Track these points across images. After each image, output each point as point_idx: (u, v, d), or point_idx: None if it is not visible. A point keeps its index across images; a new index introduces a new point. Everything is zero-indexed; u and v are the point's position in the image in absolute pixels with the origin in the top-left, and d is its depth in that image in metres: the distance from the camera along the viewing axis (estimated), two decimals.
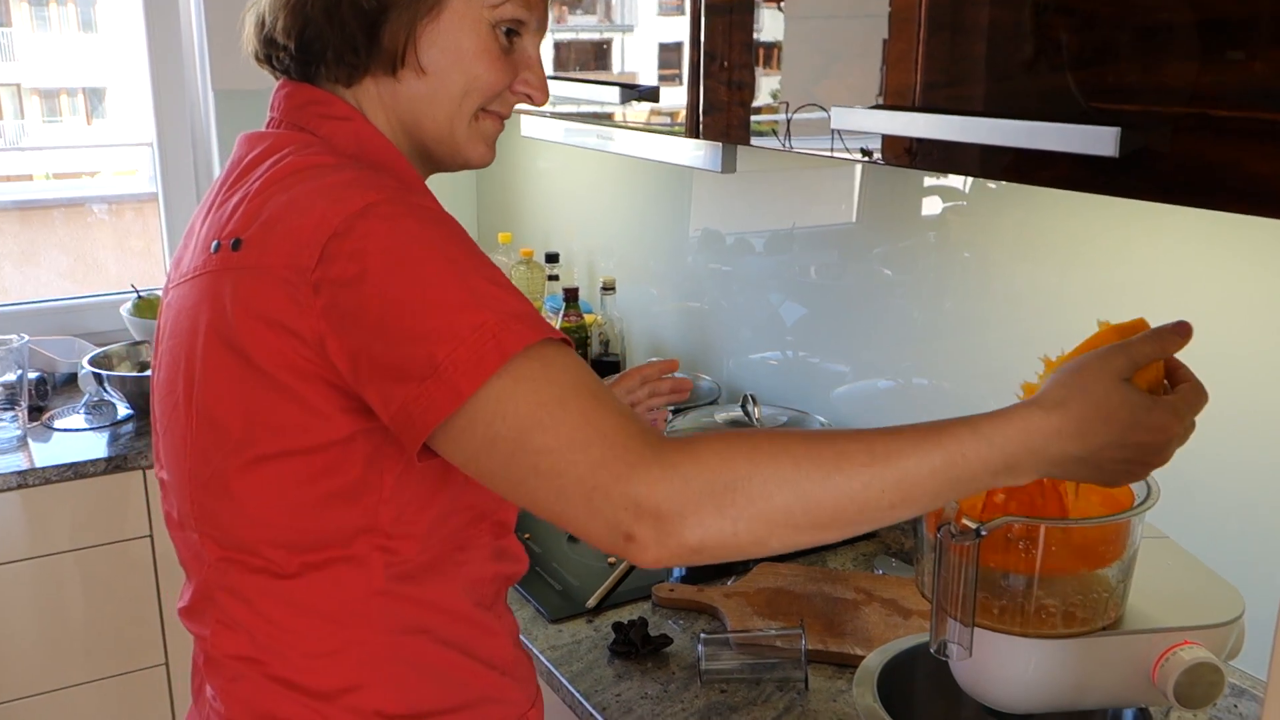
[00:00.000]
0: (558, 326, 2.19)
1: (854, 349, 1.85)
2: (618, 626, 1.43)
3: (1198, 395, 0.83)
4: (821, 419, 1.80)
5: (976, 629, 0.90)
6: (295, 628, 0.94)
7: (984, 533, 0.84)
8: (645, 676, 1.38)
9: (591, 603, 1.53)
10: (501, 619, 1.06)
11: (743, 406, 1.76)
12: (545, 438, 0.77)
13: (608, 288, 2.19)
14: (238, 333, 0.86)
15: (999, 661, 0.93)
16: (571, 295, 2.19)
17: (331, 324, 0.82)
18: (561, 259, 2.46)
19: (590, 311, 2.27)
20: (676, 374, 2.04)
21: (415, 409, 0.79)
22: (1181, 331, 0.84)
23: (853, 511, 0.77)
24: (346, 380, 0.84)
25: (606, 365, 2.21)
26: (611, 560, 1.66)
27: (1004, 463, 0.77)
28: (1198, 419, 0.83)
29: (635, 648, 1.41)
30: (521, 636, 1.16)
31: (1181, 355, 0.85)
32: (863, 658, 1.37)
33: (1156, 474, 0.87)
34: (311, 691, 0.94)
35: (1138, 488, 0.92)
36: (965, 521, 0.86)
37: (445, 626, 0.99)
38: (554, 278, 2.40)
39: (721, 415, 1.78)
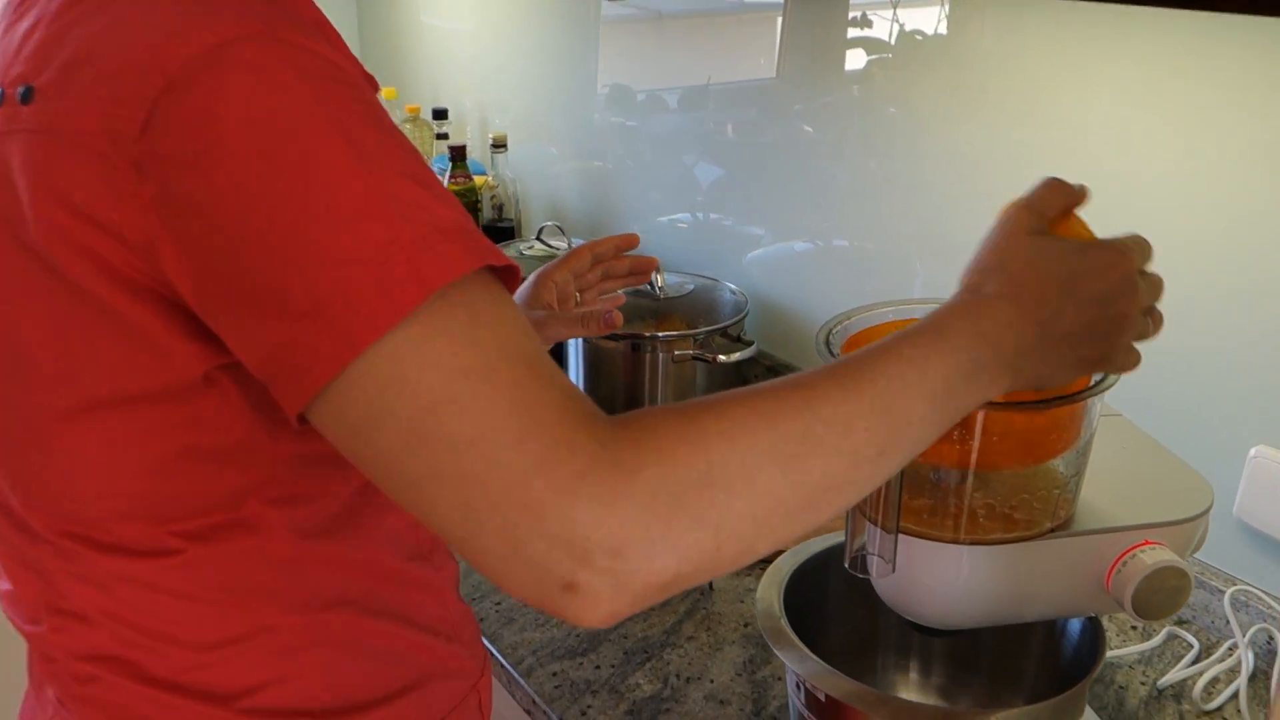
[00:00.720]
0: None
1: (771, 211, 1.68)
2: None
3: (1136, 238, 0.68)
4: (732, 286, 1.63)
5: (901, 535, 0.75)
6: (176, 617, 0.70)
7: None
8: None
9: None
10: (441, 570, 0.83)
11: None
12: (458, 424, 0.52)
13: (498, 145, 1.97)
14: (34, 227, 0.59)
15: (926, 571, 0.78)
16: (458, 154, 1.96)
17: (166, 222, 0.55)
18: (452, 116, 2.23)
19: (482, 173, 2.06)
20: (562, 248, 1.86)
21: (289, 361, 0.54)
22: (1080, 188, 0.69)
23: (842, 467, 0.58)
24: (190, 304, 0.58)
25: (500, 231, 2.01)
26: None
27: (972, 363, 0.61)
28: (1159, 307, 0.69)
29: None
30: None
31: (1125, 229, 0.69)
32: (773, 554, 1.23)
33: None
34: (204, 693, 0.71)
35: None
36: None
37: (374, 591, 0.75)
38: (443, 136, 2.17)
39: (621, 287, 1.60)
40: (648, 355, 1.49)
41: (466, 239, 0.55)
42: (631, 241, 1.15)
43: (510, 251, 1.84)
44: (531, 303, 1.08)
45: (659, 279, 1.56)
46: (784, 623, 0.86)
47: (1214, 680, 1.07)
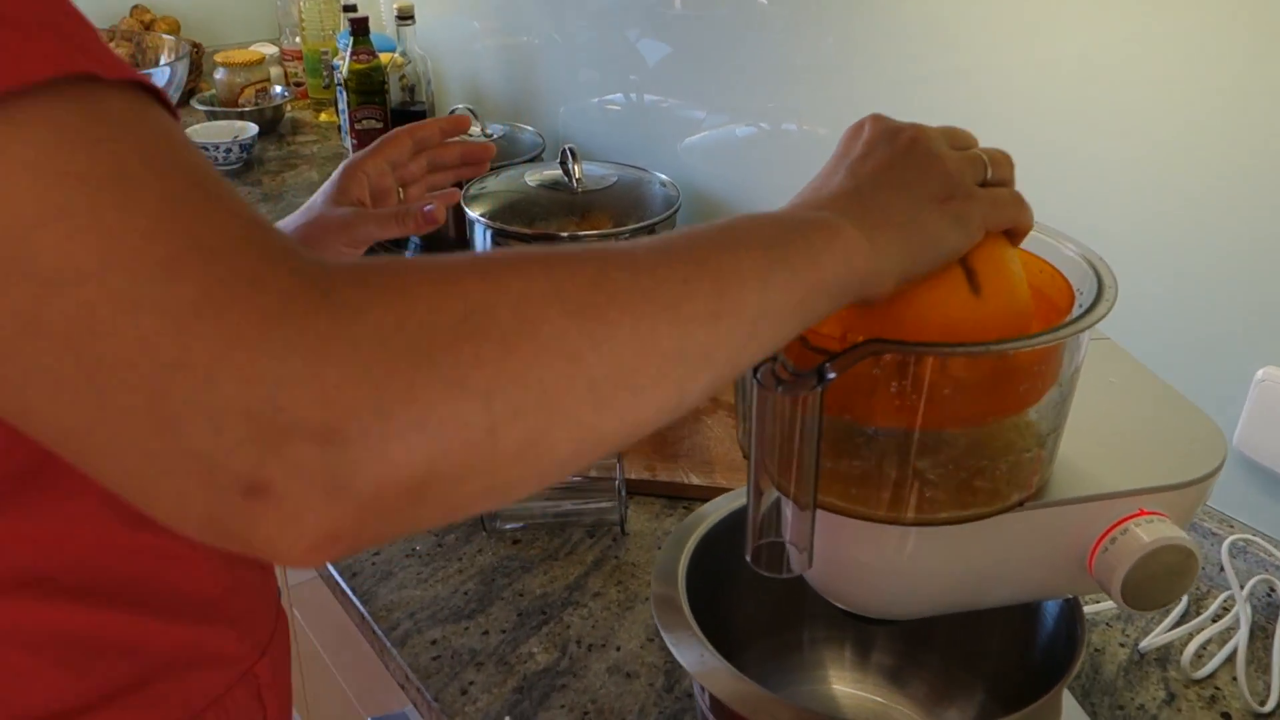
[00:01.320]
0: (344, 68, 1.75)
1: (716, 92, 1.47)
2: None
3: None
4: (663, 177, 1.43)
5: (823, 513, 0.57)
6: None
7: (831, 375, 0.49)
8: None
9: None
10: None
11: (561, 164, 1.37)
12: (67, 250, 0.34)
13: (405, 16, 1.73)
14: None
15: (860, 556, 0.60)
16: (360, 26, 1.73)
17: None
18: None
19: (390, 49, 1.82)
20: (475, 136, 1.64)
21: None
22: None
23: (666, 330, 0.41)
24: None
25: (413, 116, 1.79)
26: None
27: (797, 213, 0.50)
28: None
29: None
30: None
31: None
32: (700, 488, 1.06)
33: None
34: None
35: (1083, 284, 0.57)
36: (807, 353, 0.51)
37: (78, 567, 0.56)
38: (350, 8, 1.92)
39: (533, 176, 1.39)
40: None
41: (85, 45, 0.37)
42: (461, 124, 0.96)
43: None
44: (338, 198, 0.88)
45: (576, 169, 1.36)
46: (679, 590, 0.69)
47: (1206, 643, 0.92)
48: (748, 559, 0.55)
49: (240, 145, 1.88)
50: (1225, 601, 0.95)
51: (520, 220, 1.31)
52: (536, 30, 1.79)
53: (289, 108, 2.14)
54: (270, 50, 2.22)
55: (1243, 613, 0.91)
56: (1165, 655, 0.91)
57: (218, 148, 1.85)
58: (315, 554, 0.35)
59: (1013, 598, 0.64)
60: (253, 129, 1.92)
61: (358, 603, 0.96)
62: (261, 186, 1.86)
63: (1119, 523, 0.59)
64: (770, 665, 0.79)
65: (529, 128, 1.71)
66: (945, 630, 0.78)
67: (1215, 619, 0.94)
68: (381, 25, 2.17)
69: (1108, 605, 0.95)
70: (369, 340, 0.35)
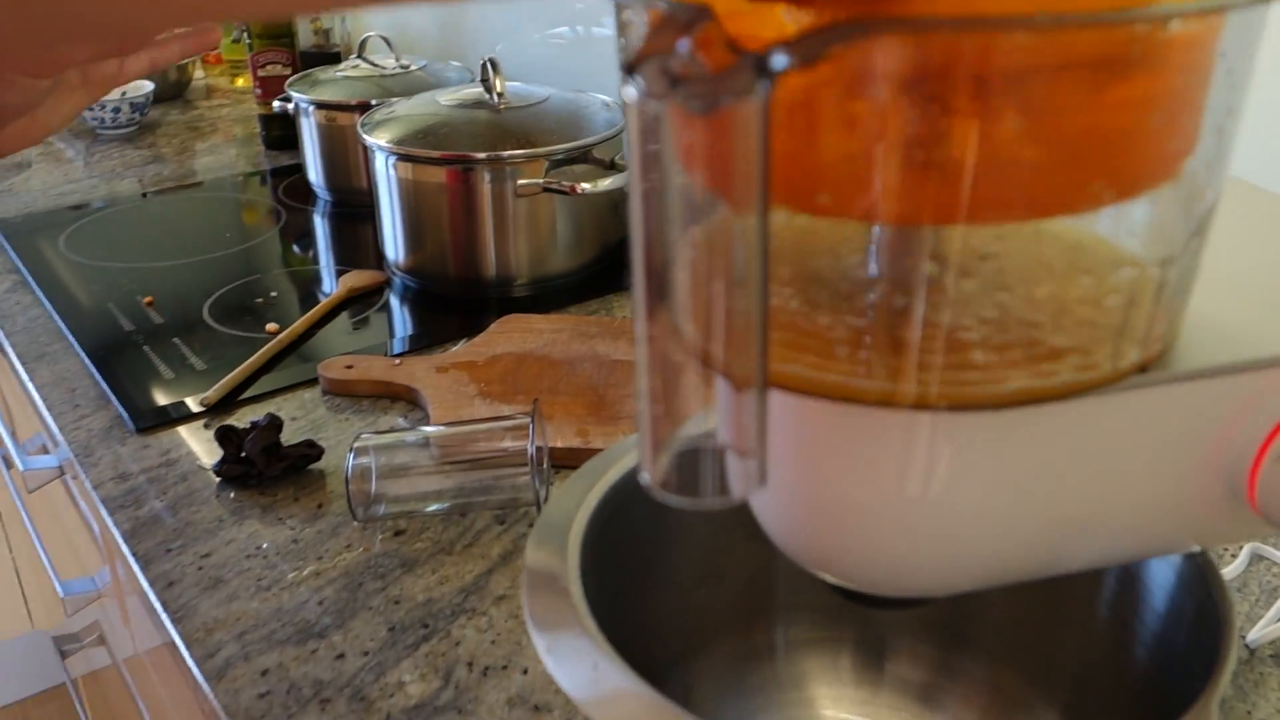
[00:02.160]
0: None
1: None
2: (225, 435, 0.82)
3: None
4: (605, 97, 1.17)
5: (784, 401, 0.31)
6: None
7: (782, 64, 0.23)
8: (270, 516, 0.79)
9: (209, 398, 0.92)
10: None
11: (482, 80, 1.12)
12: None
13: None
14: None
15: (853, 481, 0.34)
16: None
17: None
18: None
19: None
20: (390, 68, 1.37)
21: None
22: None
23: None
24: None
25: (327, 60, 1.54)
26: (271, 327, 1.04)
27: None
28: None
29: (254, 469, 0.81)
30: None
31: None
32: None
33: None
34: None
35: None
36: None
37: None
38: None
39: (448, 96, 1.14)
40: (484, 187, 1.04)
41: None
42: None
43: (323, 76, 1.37)
44: None
45: (497, 83, 1.10)
46: (568, 564, 0.43)
47: None
48: (645, 481, 0.29)
49: (131, 105, 1.63)
50: None
51: (428, 143, 1.05)
52: None
53: (195, 70, 1.89)
54: None
55: None
56: None
57: (104, 107, 1.60)
58: None
59: (1110, 554, 0.38)
60: (146, 86, 1.67)
61: (168, 622, 0.70)
62: (158, 151, 1.61)
63: None
64: (727, 683, 0.53)
65: (456, 63, 1.45)
66: (1000, 618, 0.52)
67: None
68: None
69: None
70: None
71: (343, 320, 1.08)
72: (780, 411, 0.33)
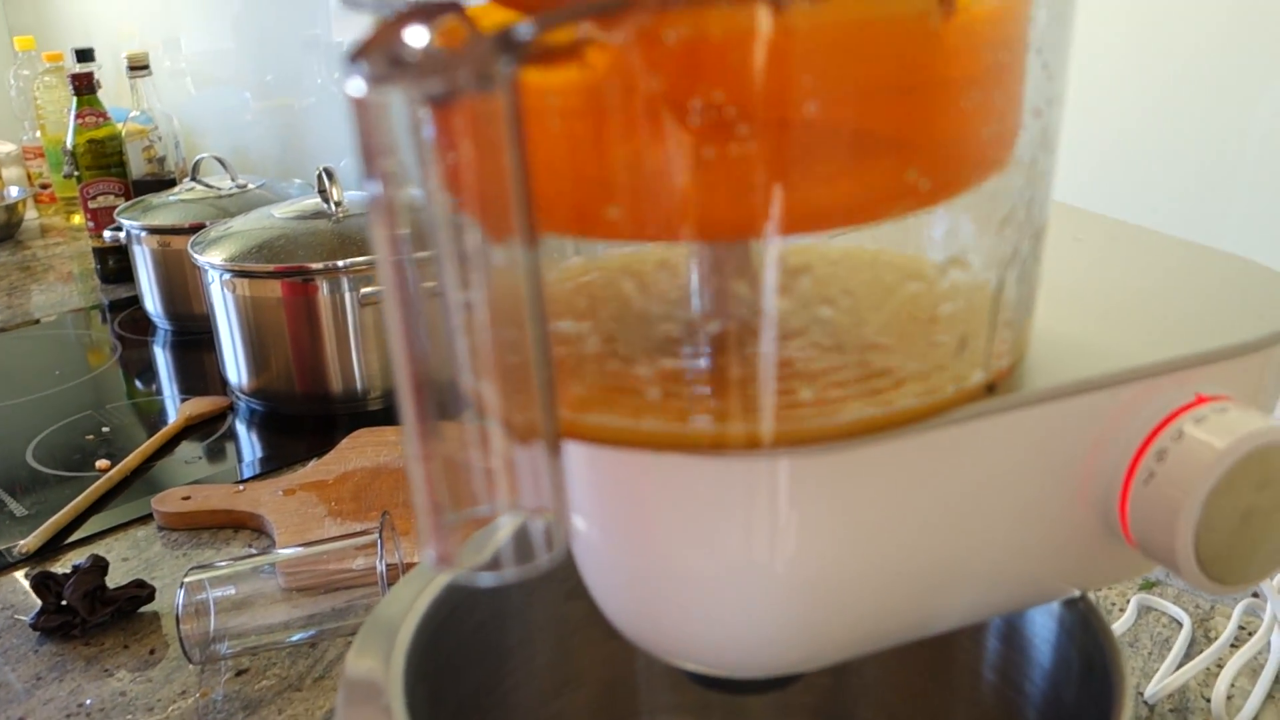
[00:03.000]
0: (69, 138, 1.43)
1: None
2: (42, 582, 0.74)
3: None
4: None
5: (592, 454, 0.27)
6: None
7: (532, 31, 0.20)
8: (95, 668, 0.71)
9: (27, 545, 0.84)
10: None
11: (319, 190, 1.08)
12: None
13: (138, 67, 1.44)
14: None
15: (683, 546, 0.30)
16: (84, 84, 1.43)
17: None
18: (103, 59, 1.69)
19: (138, 120, 1.51)
20: (226, 189, 1.33)
21: None
22: None
23: None
24: None
25: (163, 186, 1.47)
26: (102, 464, 0.96)
27: None
28: None
29: (75, 617, 0.74)
30: None
31: None
32: None
33: None
34: None
35: None
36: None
37: None
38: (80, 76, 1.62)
39: (283, 210, 1.10)
40: (324, 298, 1.00)
41: None
42: None
43: (155, 202, 1.32)
44: None
45: (335, 191, 1.06)
46: (393, 668, 0.37)
47: (1235, 678, 0.63)
48: (428, 561, 0.24)
49: None
50: (1243, 617, 0.67)
51: (263, 257, 1.00)
52: (308, 90, 1.52)
53: (24, 209, 1.81)
54: (7, 148, 1.90)
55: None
56: (1184, 703, 0.62)
57: None
58: None
59: (985, 605, 0.35)
60: None
61: None
62: None
63: (1164, 421, 0.31)
64: None
65: (297, 180, 1.41)
66: (883, 692, 0.48)
67: (1234, 644, 0.66)
68: (121, 96, 1.86)
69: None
70: None
71: (184, 451, 1.01)
72: (598, 470, 0.29)
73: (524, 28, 0.20)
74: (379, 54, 0.19)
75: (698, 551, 0.31)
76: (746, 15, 0.22)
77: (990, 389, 0.29)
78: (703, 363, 0.27)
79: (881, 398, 0.27)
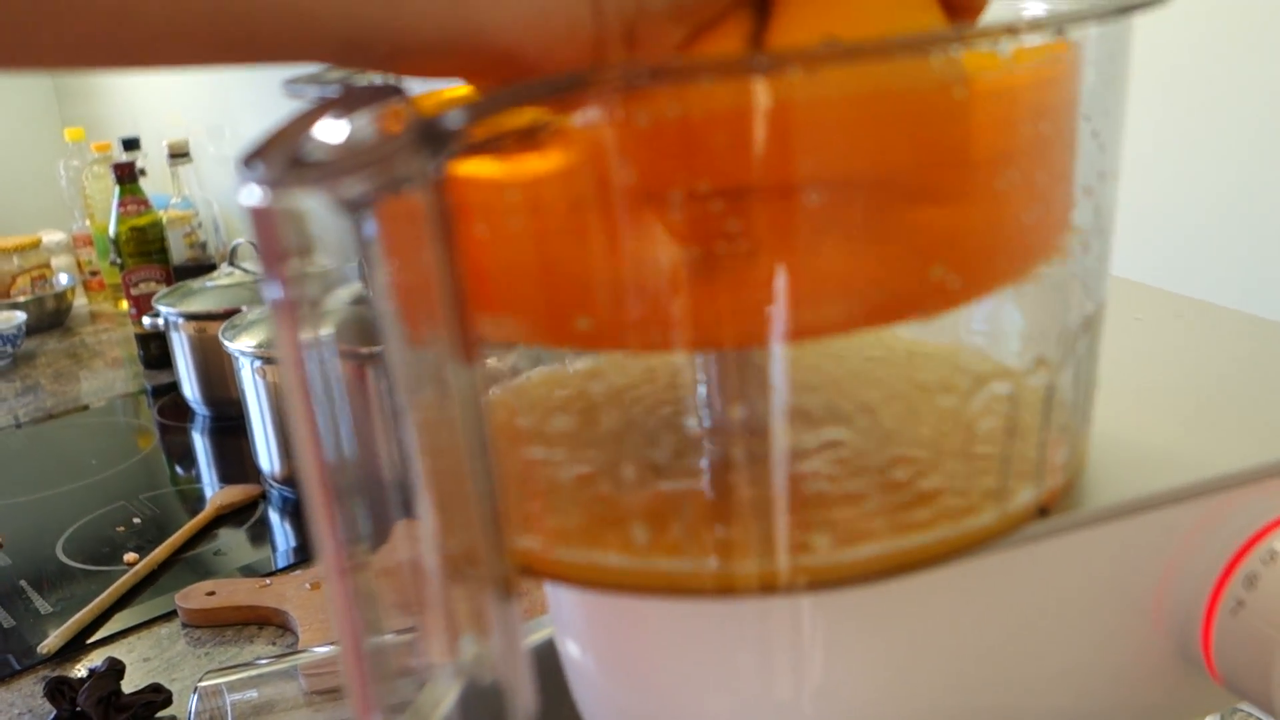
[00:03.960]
0: (112, 225, 1.44)
1: None
2: (56, 689, 0.72)
3: None
4: None
5: (583, 600, 0.23)
6: None
7: (458, 125, 0.16)
8: None
9: (49, 645, 0.81)
10: None
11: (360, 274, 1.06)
12: None
13: (178, 154, 1.45)
14: None
15: (695, 695, 0.26)
16: (126, 173, 1.43)
17: None
18: (148, 147, 1.70)
19: (182, 206, 1.51)
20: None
21: None
22: None
23: None
24: None
25: (203, 271, 1.46)
26: (130, 557, 0.94)
27: None
28: None
29: None
30: None
31: None
32: None
33: None
34: None
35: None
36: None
37: None
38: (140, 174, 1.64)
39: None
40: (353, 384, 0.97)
41: None
42: None
43: (194, 286, 1.31)
44: None
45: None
46: None
47: None
48: None
49: (3, 338, 1.55)
50: None
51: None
52: None
53: (73, 296, 1.82)
54: (58, 237, 1.92)
55: None
56: None
57: None
58: None
59: None
60: (19, 318, 1.59)
61: None
62: (38, 384, 1.52)
63: (1252, 539, 0.27)
64: None
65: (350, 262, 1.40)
66: None
67: None
68: (164, 183, 1.87)
69: None
70: None
71: (215, 542, 0.98)
72: (596, 616, 0.25)
73: (454, 116, 0.16)
74: (277, 154, 0.16)
75: (710, 692, 0.27)
76: (731, 91, 0.18)
77: (1043, 511, 0.25)
78: (702, 493, 0.23)
79: (909, 522, 0.23)
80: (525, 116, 0.18)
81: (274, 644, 0.81)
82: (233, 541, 0.98)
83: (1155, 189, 0.70)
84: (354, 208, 0.16)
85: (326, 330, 0.22)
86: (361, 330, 0.23)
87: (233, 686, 0.69)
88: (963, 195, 0.20)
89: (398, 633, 0.22)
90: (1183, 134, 0.68)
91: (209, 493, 1.09)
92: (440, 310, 0.17)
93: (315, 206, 0.16)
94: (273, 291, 0.18)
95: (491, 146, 0.18)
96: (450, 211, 0.17)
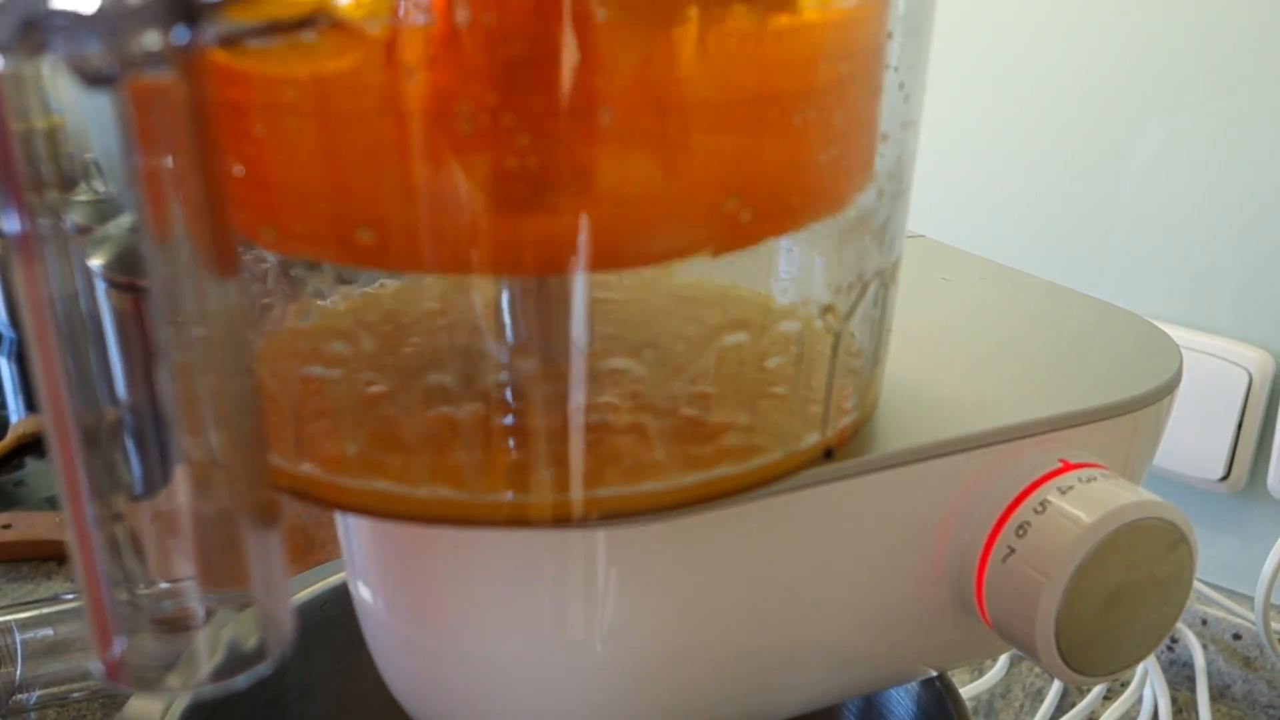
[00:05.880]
0: None
1: None
2: None
3: None
4: None
5: (377, 525, 0.23)
6: None
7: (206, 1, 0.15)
8: None
9: None
10: None
11: None
12: None
13: None
14: None
15: (476, 638, 0.26)
16: None
17: None
18: None
19: None
20: None
21: None
22: None
23: None
24: None
25: None
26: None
27: None
28: None
29: None
30: None
31: None
32: None
33: None
34: None
35: None
36: None
37: None
38: None
39: None
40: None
41: None
42: None
43: None
44: None
45: None
46: None
47: None
48: (97, 672, 0.20)
49: None
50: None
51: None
52: None
53: None
54: None
55: (1152, 688, 0.61)
56: None
57: None
58: None
59: (830, 689, 0.31)
60: None
61: None
62: None
63: (1026, 490, 0.28)
64: None
65: None
66: None
67: (1107, 697, 0.64)
68: None
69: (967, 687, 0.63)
70: None
71: (18, 473, 0.93)
72: (376, 532, 0.25)
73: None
74: (8, 16, 0.14)
75: (498, 628, 0.27)
76: None
77: (828, 454, 0.25)
78: (489, 419, 0.23)
79: (700, 463, 0.23)
80: (300, 5, 0.17)
81: (74, 580, 0.77)
82: (37, 472, 0.93)
83: (996, 172, 0.72)
84: (100, 84, 0.15)
85: (96, 261, 0.21)
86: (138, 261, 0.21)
87: (24, 625, 0.65)
88: (760, 127, 0.20)
89: (172, 581, 0.21)
90: (1019, 122, 0.70)
91: (14, 419, 1.03)
92: (190, 213, 0.16)
93: (57, 80, 0.15)
94: (10, 224, 0.16)
95: (264, 35, 0.17)
96: (205, 100, 0.16)
